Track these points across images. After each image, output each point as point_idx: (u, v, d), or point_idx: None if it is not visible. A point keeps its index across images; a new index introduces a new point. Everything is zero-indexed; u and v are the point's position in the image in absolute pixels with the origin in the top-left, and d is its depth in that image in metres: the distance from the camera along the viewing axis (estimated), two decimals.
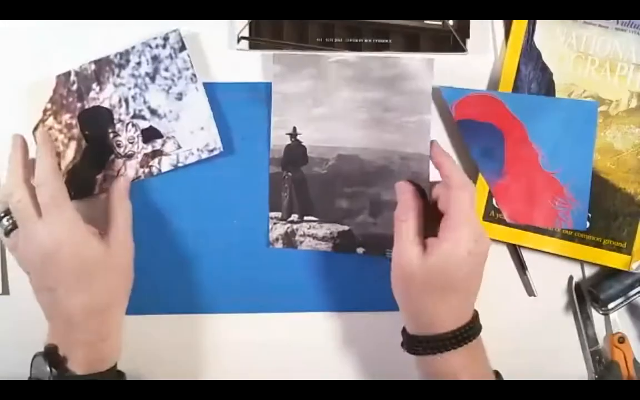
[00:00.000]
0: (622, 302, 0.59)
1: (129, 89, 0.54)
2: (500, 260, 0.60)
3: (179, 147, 0.54)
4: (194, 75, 0.53)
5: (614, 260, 0.58)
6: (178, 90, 0.54)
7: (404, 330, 0.50)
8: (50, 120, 0.54)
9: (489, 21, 0.60)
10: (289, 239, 0.58)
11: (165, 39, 0.53)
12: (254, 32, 0.58)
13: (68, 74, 0.54)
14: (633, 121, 0.59)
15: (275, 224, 0.58)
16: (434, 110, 0.59)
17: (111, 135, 0.54)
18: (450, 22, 0.59)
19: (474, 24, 0.59)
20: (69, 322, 0.47)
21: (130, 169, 0.54)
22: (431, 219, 0.47)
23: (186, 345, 0.59)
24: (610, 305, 0.59)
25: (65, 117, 0.54)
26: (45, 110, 0.54)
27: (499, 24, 0.60)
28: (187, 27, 0.58)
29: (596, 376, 0.59)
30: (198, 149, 0.54)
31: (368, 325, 0.59)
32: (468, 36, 0.59)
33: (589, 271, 0.60)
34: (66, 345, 0.48)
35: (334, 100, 0.58)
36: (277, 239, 0.58)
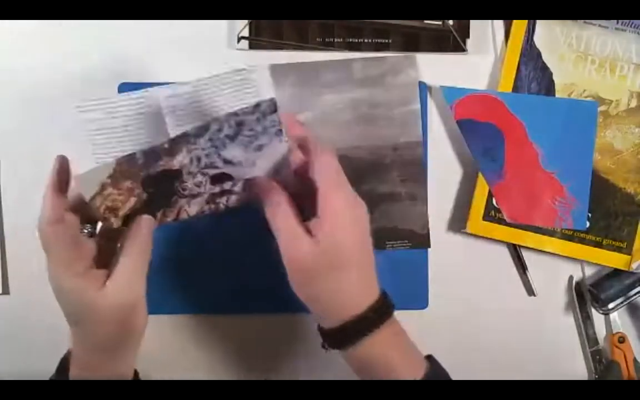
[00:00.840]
0: (622, 302, 0.59)
1: (203, 149, 0.46)
2: (500, 260, 0.60)
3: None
4: (280, 130, 0.46)
5: (614, 260, 0.58)
6: (259, 143, 0.46)
7: (320, 329, 0.47)
8: (109, 190, 0.45)
9: (489, 21, 0.60)
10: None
11: (257, 106, 0.44)
12: (254, 32, 0.58)
13: (132, 155, 0.44)
14: (633, 121, 0.59)
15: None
16: (434, 110, 0.59)
17: (176, 184, 0.47)
18: (450, 22, 0.59)
19: (474, 24, 0.59)
20: (73, 347, 0.46)
21: (194, 206, 0.48)
22: (306, 198, 0.45)
23: (186, 345, 0.59)
24: (610, 305, 0.59)
25: (126, 183, 0.45)
26: (103, 185, 0.45)
27: (499, 24, 0.60)
28: (187, 27, 0.58)
29: (596, 376, 0.59)
30: None
31: None
32: (468, 36, 0.59)
33: (589, 271, 0.60)
34: (77, 359, 0.47)
35: (319, 105, 0.58)
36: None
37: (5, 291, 0.59)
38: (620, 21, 0.58)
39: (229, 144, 0.46)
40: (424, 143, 0.58)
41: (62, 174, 0.44)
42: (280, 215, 0.44)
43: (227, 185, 0.47)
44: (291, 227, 0.43)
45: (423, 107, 0.59)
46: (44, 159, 0.59)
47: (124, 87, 0.58)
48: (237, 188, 0.48)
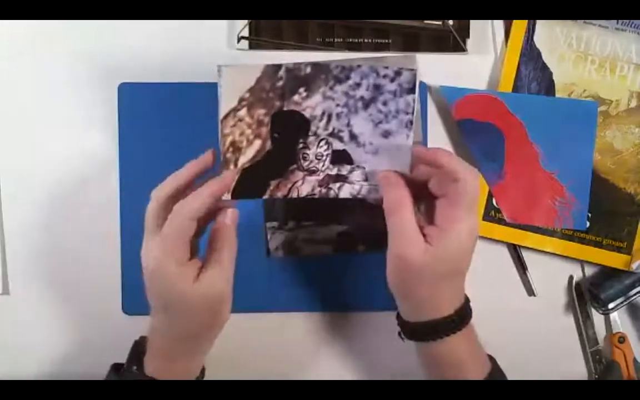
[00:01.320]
0: (622, 302, 0.59)
1: (337, 105, 0.48)
2: (500, 260, 0.60)
3: (366, 180, 0.49)
4: (411, 122, 0.47)
5: (614, 260, 0.58)
6: (388, 128, 0.48)
7: (400, 319, 0.49)
8: (243, 112, 0.47)
9: (489, 21, 0.60)
10: (289, 246, 0.58)
11: (397, 73, 0.47)
12: (254, 32, 0.58)
13: (278, 67, 0.47)
14: (633, 121, 0.59)
15: (273, 233, 0.58)
16: (434, 110, 0.59)
17: (300, 145, 0.48)
18: (450, 22, 0.59)
19: (474, 24, 0.59)
20: (153, 334, 0.48)
21: (308, 185, 0.49)
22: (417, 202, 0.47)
23: None
24: (610, 305, 0.59)
25: (260, 112, 0.48)
26: (241, 99, 0.47)
27: (499, 24, 0.60)
28: (187, 27, 0.58)
29: (596, 376, 0.59)
30: None
31: (368, 325, 0.59)
32: (468, 36, 0.59)
33: (589, 271, 0.60)
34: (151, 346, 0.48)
35: None
36: (277, 249, 0.58)
37: (5, 291, 0.59)
38: (620, 21, 0.58)
39: (361, 111, 0.48)
40: (424, 143, 0.58)
41: (228, 185, 0.47)
42: (403, 211, 0.45)
43: (344, 170, 0.49)
44: (412, 226, 0.45)
45: (423, 107, 0.59)
46: (44, 159, 0.59)
47: (124, 87, 0.58)
48: (353, 177, 0.49)
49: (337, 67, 0.47)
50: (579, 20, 0.58)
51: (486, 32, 0.60)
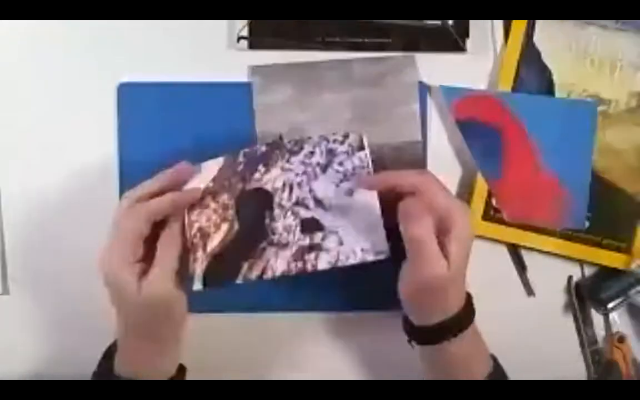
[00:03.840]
0: (621, 302, 0.59)
1: (297, 175, 0.49)
2: (500, 260, 0.60)
3: (341, 243, 0.47)
4: (370, 174, 0.48)
5: (613, 260, 0.58)
6: (349, 186, 0.48)
7: (409, 325, 0.49)
8: (208, 200, 0.49)
9: (489, 21, 0.60)
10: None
11: (345, 136, 0.49)
12: (254, 32, 0.58)
13: (237, 153, 0.50)
14: (633, 121, 0.59)
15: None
16: (434, 110, 0.59)
17: (267, 220, 0.49)
18: (450, 22, 0.59)
19: (474, 24, 0.59)
20: (118, 330, 0.49)
21: (282, 261, 0.47)
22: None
23: (187, 345, 0.59)
24: (610, 305, 0.59)
25: (224, 197, 0.49)
26: (205, 190, 0.50)
27: (499, 24, 0.60)
28: (187, 27, 0.58)
29: (596, 376, 0.59)
30: (362, 250, 0.47)
31: (368, 325, 0.59)
32: (468, 36, 0.59)
33: (589, 271, 0.60)
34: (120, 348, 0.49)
35: (318, 105, 0.58)
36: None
37: (5, 291, 0.59)
38: (620, 21, 0.58)
39: (320, 176, 0.49)
40: (424, 143, 0.58)
41: (180, 180, 0.49)
42: (427, 234, 0.44)
43: (317, 238, 0.48)
44: (435, 248, 0.44)
45: (423, 107, 0.59)
46: (44, 159, 0.59)
47: (124, 87, 0.58)
48: (327, 244, 0.48)
49: (289, 142, 0.50)
50: (579, 20, 0.58)
51: (486, 32, 0.60)
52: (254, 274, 0.48)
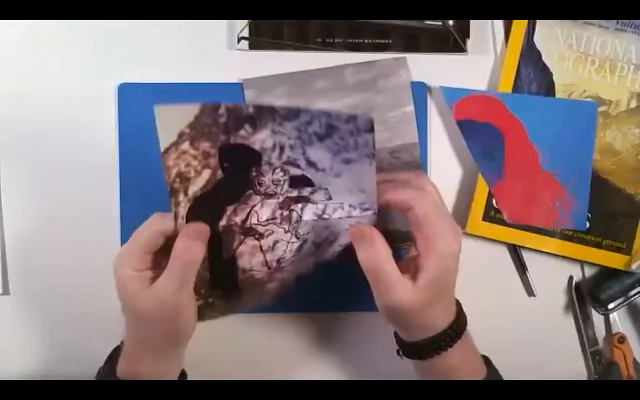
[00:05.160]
0: (622, 302, 0.59)
1: (289, 138, 0.44)
2: (500, 260, 0.60)
3: (330, 198, 0.46)
4: (373, 155, 0.44)
5: (614, 260, 0.58)
6: (348, 156, 0.44)
7: (398, 339, 0.49)
8: (186, 145, 0.44)
9: (489, 21, 0.60)
10: None
11: (352, 117, 0.43)
12: (254, 32, 0.58)
13: (217, 105, 0.44)
14: (633, 121, 0.59)
15: None
16: (434, 110, 0.59)
17: (254, 173, 0.45)
18: (450, 22, 0.59)
19: (474, 24, 0.59)
20: (125, 337, 0.48)
21: (267, 208, 0.46)
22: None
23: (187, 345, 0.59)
24: (610, 306, 0.59)
25: (205, 145, 0.44)
26: (181, 134, 0.44)
27: (499, 24, 0.60)
28: (187, 27, 0.58)
29: (596, 376, 0.59)
30: (350, 205, 0.46)
31: (368, 326, 0.59)
32: (468, 36, 0.59)
33: (589, 271, 0.60)
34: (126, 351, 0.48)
35: None
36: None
37: (5, 291, 0.59)
38: (620, 21, 0.58)
39: (316, 144, 0.44)
40: (424, 143, 0.58)
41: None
42: (381, 265, 0.43)
43: (305, 192, 0.46)
44: (394, 275, 0.43)
45: (423, 107, 0.59)
46: (44, 159, 0.59)
47: (124, 87, 0.58)
48: (316, 197, 0.46)
49: (283, 109, 0.44)
50: (579, 21, 0.58)
51: (486, 33, 0.60)
52: (238, 218, 0.46)
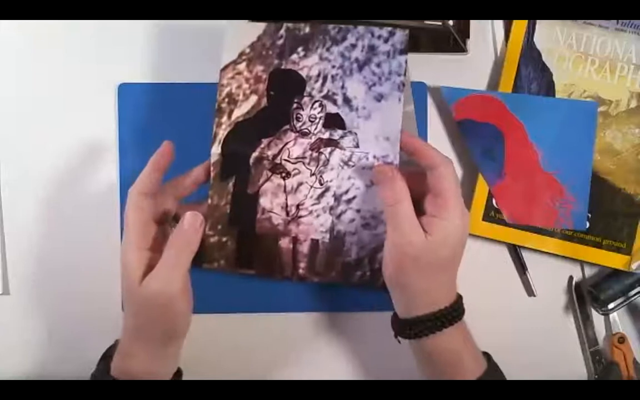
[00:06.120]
0: (622, 302, 0.59)
1: (333, 67, 0.50)
2: (500, 260, 0.60)
3: (357, 146, 0.50)
4: (403, 84, 0.49)
5: (614, 260, 0.58)
6: (381, 90, 0.49)
7: (395, 320, 0.49)
8: (242, 66, 0.50)
9: (489, 21, 0.60)
10: None
11: (391, 34, 0.50)
12: None
13: (279, 25, 0.51)
14: (633, 121, 0.59)
15: None
16: (434, 110, 0.59)
17: (295, 105, 0.50)
18: (450, 22, 0.59)
19: (474, 24, 0.59)
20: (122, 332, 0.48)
21: (299, 147, 0.50)
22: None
23: (186, 345, 0.59)
24: (610, 306, 0.59)
25: (258, 69, 0.50)
26: (241, 54, 0.50)
27: (499, 24, 0.60)
28: (187, 27, 0.58)
29: (596, 376, 0.59)
30: (374, 156, 0.49)
31: (368, 325, 0.59)
32: (468, 36, 0.59)
33: (589, 271, 0.60)
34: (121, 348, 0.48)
35: None
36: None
37: (6, 291, 0.59)
38: (620, 21, 0.58)
39: (356, 74, 0.50)
40: None
41: (164, 156, 0.48)
42: (401, 202, 0.46)
43: (336, 135, 0.50)
44: (411, 216, 0.45)
45: (423, 107, 0.59)
46: (44, 159, 0.59)
47: (124, 87, 0.58)
48: (344, 143, 0.50)
49: (334, 28, 0.50)
50: (579, 21, 0.58)
51: (486, 33, 0.60)
52: (271, 152, 0.50)
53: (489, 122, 0.58)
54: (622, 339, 0.59)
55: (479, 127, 0.58)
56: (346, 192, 0.50)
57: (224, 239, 0.50)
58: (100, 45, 0.59)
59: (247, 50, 0.50)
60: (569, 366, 0.60)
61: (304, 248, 0.51)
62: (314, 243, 0.51)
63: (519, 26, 0.59)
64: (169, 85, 0.58)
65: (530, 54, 0.59)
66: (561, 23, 0.59)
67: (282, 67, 0.50)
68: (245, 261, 0.51)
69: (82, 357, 0.58)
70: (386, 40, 0.49)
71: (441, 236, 0.45)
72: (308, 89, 0.50)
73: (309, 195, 0.51)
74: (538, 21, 0.59)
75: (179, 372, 0.51)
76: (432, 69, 0.59)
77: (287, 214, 0.51)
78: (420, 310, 0.46)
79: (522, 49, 0.59)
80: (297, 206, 0.51)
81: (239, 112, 0.50)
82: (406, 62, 0.49)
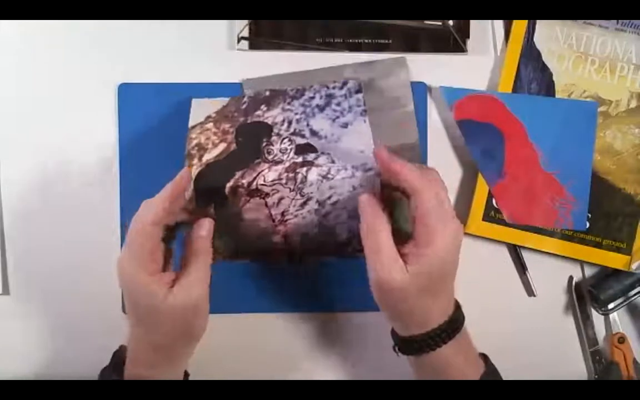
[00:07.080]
0: (622, 302, 0.59)
1: (296, 114, 0.53)
2: (500, 260, 0.60)
3: (333, 162, 0.51)
4: (365, 111, 0.53)
5: (614, 260, 0.58)
6: (345, 120, 0.53)
7: (394, 333, 0.49)
8: (210, 125, 0.53)
9: (489, 21, 0.60)
10: None
11: (344, 83, 0.54)
12: (254, 32, 0.58)
13: (242, 96, 0.55)
14: (633, 121, 0.59)
15: None
16: (434, 110, 0.59)
17: (264, 143, 0.52)
18: (450, 22, 0.59)
19: (474, 24, 0.59)
20: (131, 343, 0.48)
21: (274, 172, 0.51)
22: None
23: None
24: (610, 305, 0.59)
25: (225, 126, 0.53)
26: (208, 117, 0.54)
27: (499, 24, 0.60)
28: (187, 27, 0.58)
29: (596, 376, 0.59)
30: (353, 166, 0.51)
31: (368, 325, 0.59)
32: (468, 36, 0.59)
33: (589, 271, 0.60)
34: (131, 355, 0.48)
35: None
36: None
37: (5, 291, 0.59)
38: (620, 21, 0.58)
39: (318, 115, 0.53)
40: (424, 143, 0.58)
41: (180, 186, 0.47)
42: (379, 235, 0.44)
43: (309, 157, 0.52)
44: (388, 249, 0.44)
45: (423, 107, 0.59)
46: (44, 159, 0.59)
47: (124, 88, 0.58)
48: (319, 161, 0.51)
49: (292, 90, 0.54)
50: (579, 21, 0.58)
51: (486, 33, 0.60)
52: (246, 180, 0.51)
53: (489, 122, 0.58)
54: (622, 339, 0.59)
55: (479, 127, 0.58)
56: (329, 197, 0.52)
57: (217, 243, 0.50)
58: (100, 45, 0.59)
59: (213, 115, 0.54)
60: (569, 366, 0.60)
61: (296, 240, 0.53)
62: (305, 234, 0.53)
63: (519, 26, 0.59)
64: (169, 85, 0.58)
65: (530, 54, 0.59)
66: (561, 23, 0.59)
67: (248, 121, 0.53)
68: (241, 253, 0.54)
69: (82, 357, 0.59)
70: (341, 88, 0.54)
71: (424, 266, 0.44)
72: (275, 130, 0.53)
73: (291, 205, 0.52)
74: (538, 21, 0.59)
75: (185, 373, 0.51)
76: (432, 69, 0.59)
77: (273, 221, 0.52)
78: (414, 330, 0.46)
79: (522, 49, 0.59)
80: (282, 213, 0.52)
81: (209, 156, 0.52)
82: (363, 96, 0.53)
